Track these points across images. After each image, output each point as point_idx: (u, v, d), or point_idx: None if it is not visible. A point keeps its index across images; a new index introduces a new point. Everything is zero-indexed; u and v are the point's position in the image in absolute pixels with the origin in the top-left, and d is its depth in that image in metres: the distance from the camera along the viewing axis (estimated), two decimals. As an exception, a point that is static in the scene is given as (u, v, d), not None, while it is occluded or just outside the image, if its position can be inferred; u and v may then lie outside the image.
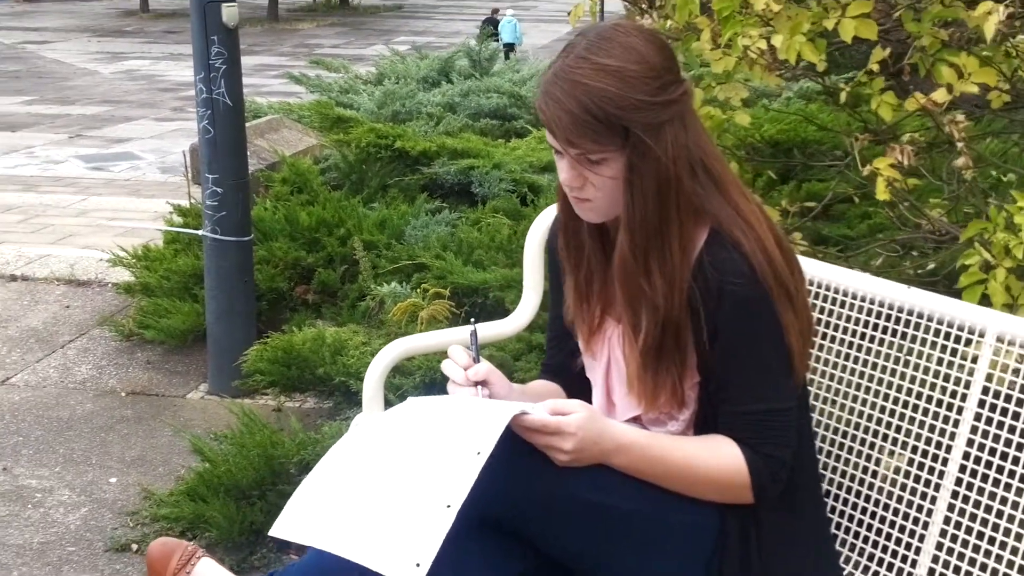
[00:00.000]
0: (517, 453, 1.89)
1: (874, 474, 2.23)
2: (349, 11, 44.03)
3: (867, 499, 2.23)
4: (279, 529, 1.84)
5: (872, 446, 2.24)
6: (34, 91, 23.95)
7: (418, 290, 3.74)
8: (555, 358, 2.31)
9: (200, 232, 4.21)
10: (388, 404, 2.66)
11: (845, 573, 2.20)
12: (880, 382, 2.24)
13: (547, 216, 2.84)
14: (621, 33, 1.93)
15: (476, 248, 4.04)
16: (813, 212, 3.33)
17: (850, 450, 2.27)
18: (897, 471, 2.20)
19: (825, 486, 2.29)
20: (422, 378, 3.20)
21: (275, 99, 8.44)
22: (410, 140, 5.06)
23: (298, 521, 1.84)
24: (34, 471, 3.68)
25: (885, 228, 4.00)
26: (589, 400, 2.13)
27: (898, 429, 2.20)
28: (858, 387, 2.28)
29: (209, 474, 3.20)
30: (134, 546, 3.23)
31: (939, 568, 2.10)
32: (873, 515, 2.22)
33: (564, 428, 1.89)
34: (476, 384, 2.06)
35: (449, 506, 1.74)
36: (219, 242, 4.12)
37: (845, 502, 2.27)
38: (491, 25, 25.18)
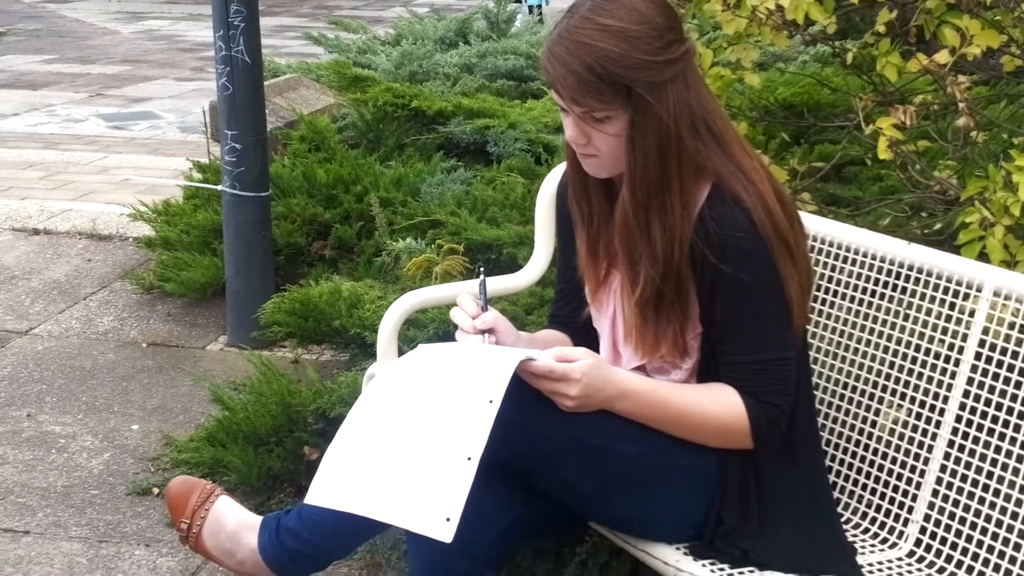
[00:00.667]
0: (523, 398, 1.96)
1: (874, 424, 2.30)
2: (369, -28, 43.92)
3: (866, 448, 2.31)
4: (314, 497, 1.91)
5: (872, 397, 2.31)
6: (54, 50, 23.96)
7: (433, 246, 3.80)
8: (563, 309, 2.38)
9: (219, 187, 4.28)
10: (401, 355, 2.74)
11: (843, 519, 2.27)
12: (880, 335, 2.31)
13: (557, 174, 2.89)
14: None
15: (490, 205, 4.10)
16: (821, 172, 3.38)
17: (851, 401, 2.35)
18: (896, 422, 2.27)
19: (827, 436, 2.36)
20: (435, 330, 3.27)
21: (294, 60, 8.48)
22: (426, 100, 5.11)
23: (331, 488, 1.91)
24: (58, 418, 3.78)
25: (895, 190, 4.04)
26: (596, 350, 2.20)
27: (897, 381, 2.27)
28: (859, 340, 2.35)
29: (228, 421, 3.28)
30: (155, 490, 3.32)
31: (934, 514, 2.18)
32: (872, 463, 2.29)
33: (569, 374, 1.97)
34: (483, 332, 2.13)
35: (470, 458, 1.83)
36: (238, 197, 4.19)
37: (845, 451, 2.34)
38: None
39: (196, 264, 4.48)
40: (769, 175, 2.06)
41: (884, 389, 2.29)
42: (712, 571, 2.05)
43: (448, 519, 1.79)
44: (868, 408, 2.31)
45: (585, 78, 1.93)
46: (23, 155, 10.56)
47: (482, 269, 2.30)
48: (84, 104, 18.02)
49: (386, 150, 5.00)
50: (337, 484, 1.91)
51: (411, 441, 1.89)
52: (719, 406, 2.02)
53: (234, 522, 2.23)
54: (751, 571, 2.06)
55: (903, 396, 2.25)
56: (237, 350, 4.27)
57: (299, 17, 26.51)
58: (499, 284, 2.99)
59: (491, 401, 1.86)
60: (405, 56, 6.21)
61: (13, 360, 4.21)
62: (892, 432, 2.26)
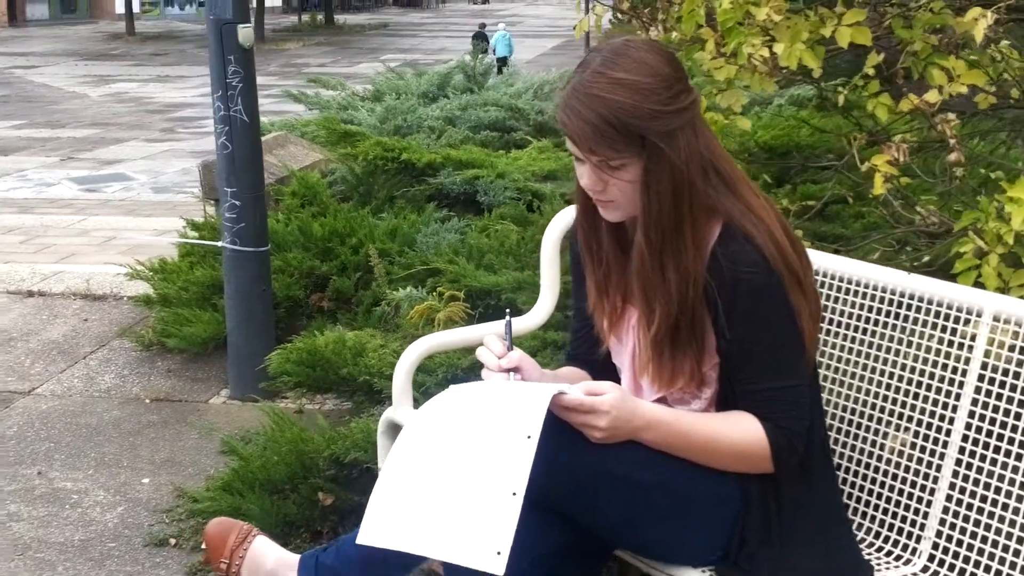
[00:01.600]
0: (554, 431, 2.04)
1: (883, 447, 2.40)
2: (334, 30, 44.29)
3: (877, 470, 2.40)
4: (365, 537, 1.98)
5: (880, 421, 2.41)
6: (23, 115, 24.08)
7: (433, 293, 3.89)
8: (580, 348, 2.47)
9: (220, 244, 4.37)
10: (415, 400, 2.81)
11: (858, 539, 2.36)
12: (885, 362, 2.42)
13: (562, 218, 3.00)
14: (633, 48, 2.11)
15: (486, 253, 4.20)
16: (813, 210, 3.50)
17: (860, 426, 2.44)
18: (904, 444, 2.37)
19: (838, 460, 2.45)
20: (444, 374, 3.35)
21: (266, 118, 8.61)
22: (415, 152, 5.22)
23: (381, 527, 1.98)
24: (68, 474, 3.83)
25: (878, 227, 4.17)
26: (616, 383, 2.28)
27: (904, 405, 2.37)
28: (864, 368, 2.45)
29: (244, 470, 3.34)
30: (172, 540, 3.38)
31: (945, 531, 2.27)
32: (883, 484, 2.38)
33: (598, 407, 2.06)
34: (509, 371, 2.21)
35: (515, 493, 1.91)
36: (238, 253, 4.28)
37: (856, 474, 2.43)
38: (481, 40, 25.42)
39: (197, 320, 4.55)
40: (777, 213, 2.17)
41: (892, 413, 2.39)
42: (738, 592, 2.13)
43: (499, 552, 1.87)
44: (877, 432, 2.41)
45: (601, 129, 2.03)
46: (1, 220, 10.61)
47: (508, 311, 2.39)
48: (56, 168, 18.11)
49: (377, 203, 5.10)
50: (386, 523, 1.97)
51: (455, 478, 1.96)
52: (740, 433, 2.11)
53: (272, 560, 2.29)
54: (775, 591, 2.14)
55: (911, 419, 2.35)
56: (240, 403, 4.33)
57: (268, 75, 26.74)
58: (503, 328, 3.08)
59: (529, 436, 1.95)
60: (389, 111, 6.34)
61: (19, 420, 4.26)
62: (901, 454, 2.36)
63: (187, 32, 43.43)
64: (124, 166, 18.28)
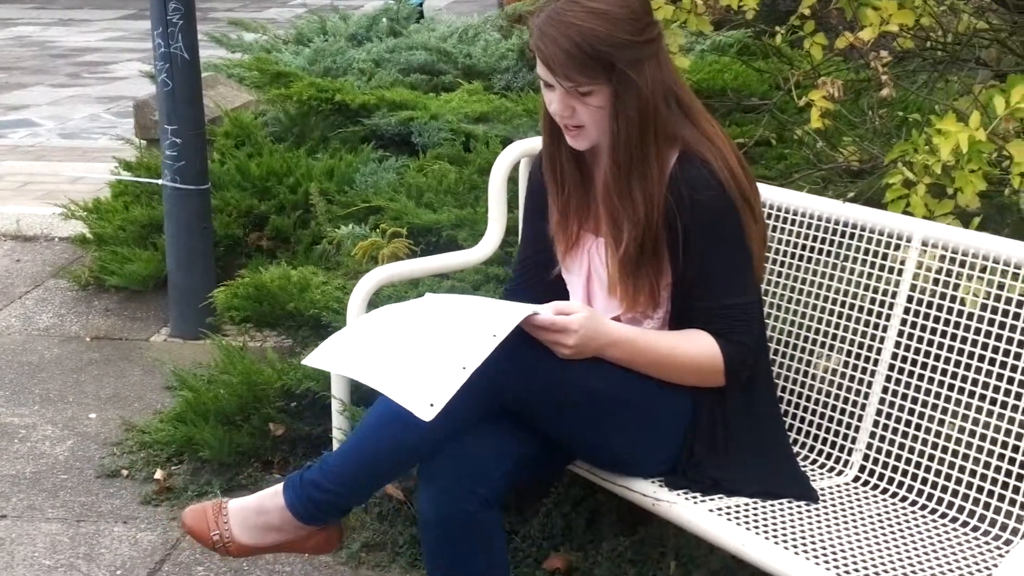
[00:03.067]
0: (526, 348, 2.19)
1: (816, 368, 2.56)
2: (241, -25, 43.56)
3: (812, 388, 2.57)
4: (315, 359, 2.15)
5: (816, 343, 2.57)
6: (-79, 59, 23.47)
7: (376, 231, 3.98)
8: (525, 275, 2.57)
9: (160, 181, 4.40)
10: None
11: (795, 452, 2.52)
12: (820, 287, 2.58)
13: (507, 155, 3.11)
14: None
15: (425, 192, 4.28)
16: (744, 148, 3.64)
17: (797, 348, 2.60)
18: (828, 370, 2.54)
19: (778, 381, 2.61)
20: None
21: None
22: (349, 93, 5.26)
23: (331, 355, 2.15)
24: (14, 410, 3.86)
25: (800, 168, 4.34)
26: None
27: (838, 327, 2.54)
28: (801, 292, 2.61)
29: (195, 401, 3.42)
30: (124, 471, 3.45)
31: (875, 443, 2.44)
32: (818, 402, 2.56)
33: (568, 326, 2.19)
34: None
35: (464, 368, 2.06)
36: (179, 190, 4.31)
37: (793, 392, 2.60)
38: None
39: (136, 258, 4.58)
40: (730, 141, 2.31)
41: (827, 335, 2.55)
42: (686, 499, 2.29)
43: (432, 404, 2.03)
44: (812, 353, 2.58)
45: (574, 55, 2.15)
46: (-91, 164, 10.37)
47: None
48: (-42, 113, 17.70)
49: (312, 143, 5.14)
50: (338, 353, 2.14)
51: (415, 343, 2.13)
52: (697, 348, 2.26)
53: (254, 504, 2.35)
54: (720, 497, 2.30)
55: (844, 340, 2.52)
56: (181, 340, 4.39)
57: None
58: (453, 260, 3.20)
59: (495, 335, 2.08)
60: (318, 53, 6.35)
61: (-42, 358, 4.28)
62: (835, 372, 2.53)
63: (89, -25, 42.38)
64: (29, 112, 17.82)
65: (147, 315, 4.64)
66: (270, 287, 3.75)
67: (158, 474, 3.39)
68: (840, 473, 2.48)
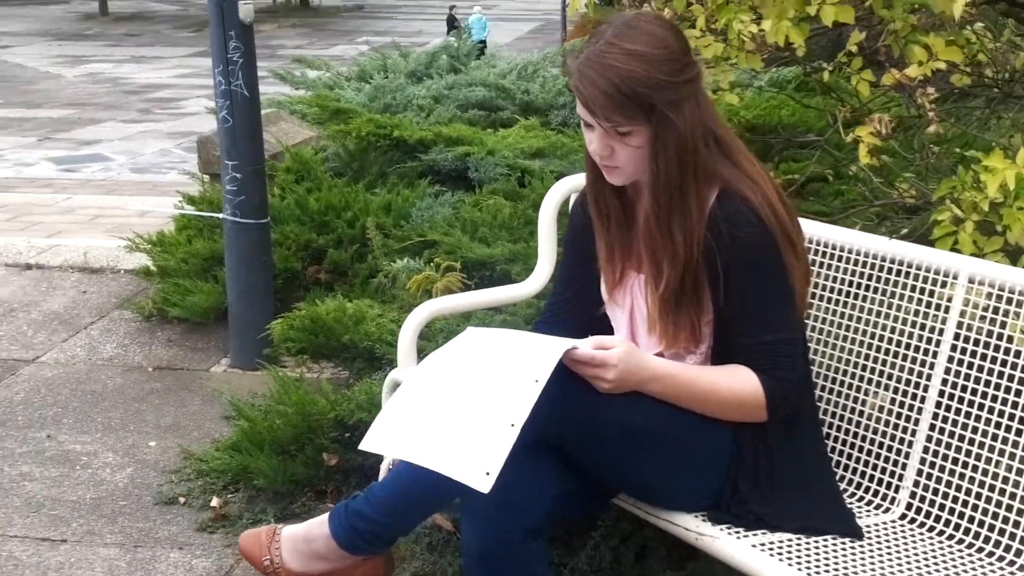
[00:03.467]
0: (566, 382, 2.22)
1: (864, 404, 2.56)
2: (310, 12, 44.19)
3: (859, 424, 2.56)
4: (368, 444, 2.15)
5: (863, 379, 2.57)
6: (-1, 95, 24.06)
7: (430, 264, 4.03)
8: (556, 312, 2.60)
9: (221, 215, 4.49)
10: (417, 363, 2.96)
11: (841, 489, 2.52)
12: (867, 323, 2.58)
13: (558, 190, 3.14)
14: (644, 21, 2.26)
15: (480, 226, 4.34)
16: (796, 183, 3.66)
17: (843, 384, 2.60)
18: (885, 401, 2.53)
19: (823, 417, 2.61)
20: (443, 340, 3.49)
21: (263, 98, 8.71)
22: (407, 129, 5.35)
23: (384, 437, 2.15)
24: (76, 437, 3.95)
25: (857, 204, 4.34)
26: None
27: (884, 363, 2.53)
28: (848, 329, 2.61)
29: (251, 431, 3.48)
30: (181, 499, 3.51)
31: (923, 480, 2.43)
32: (865, 439, 2.55)
33: (607, 360, 2.22)
34: None
35: (513, 425, 2.07)
36: (239, 224, 4.40)
37: (839, 428, 2.59)
38: (452, 24, 25.54)
39: (198, 290, 4.68)
40: (771, 179, 2.33)
41: (874, 371, 2.55)
42: (729, 534, 2.29)
43: (488, 473, 2.04)
44: (860, 389, 2.57)
45: (613, 96, 2.18)
46: (-17, 198, 10.65)
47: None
48: (33, 148, 18.15)
49: (370, 178, 5.23)
50: (389, 434, 2.16)
51: (461, 405, 2.14)
52: (738, 383, 2.27)
53: (303, 531, 2.40)
54: (763, 533, 2.30)
55: (891, 377, 2.51)
56: (240, 371, 4.47)
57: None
58: (503, 294, 3.23)
59: (537, 380, 2.11)
60: (378, 89, 6.46)
61: (25, 386, 4.38)
62: (882, 409, 2.52)
63: (160, 13, 43.26)
64: (102, 147, 18.33)
65: (208, 346, 4.73)
66: (325, 319, 3.82)
67: (214, 502, 3.45)
68: (887, 511, 2.47)
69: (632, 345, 2.27)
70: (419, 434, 2.13)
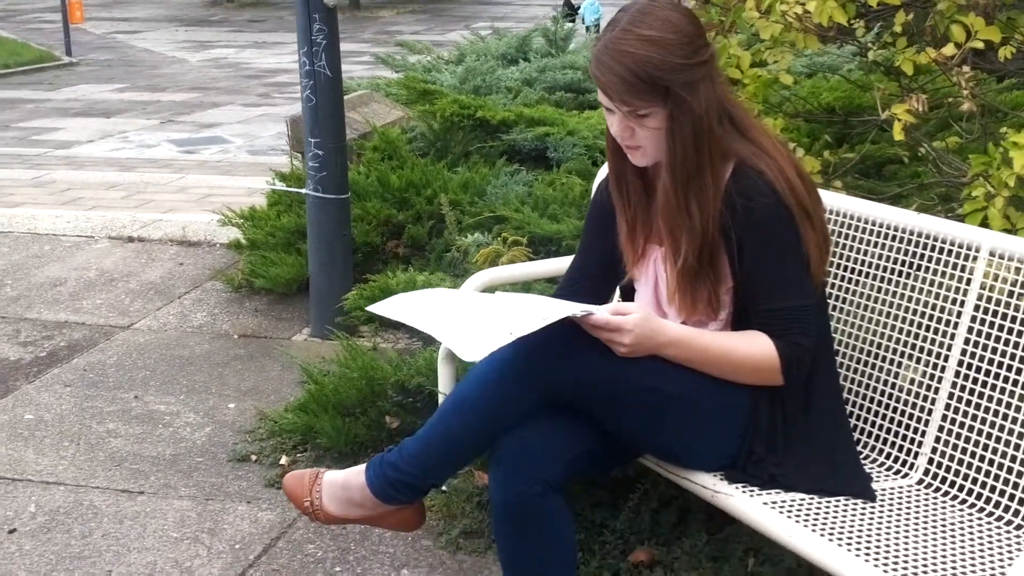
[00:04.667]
0: (584, 346, 2.33)
1: (887, 372, 2.63)
2: (428, -2, 44.56)
3: (881, 392, 2.63)
4: (379, 308, 2.44)
5: (886, 348, 2.63)
6: (125, 79, 24.78)
7: (499, 239, 4.17)
8: (571, 285, 2.72)
9: (304, 191, 4.69)
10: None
11: (860, 454, 2.59)
12: (892, 294, 2.64)
13: (605, 170, 3.25)
14: (658, 7, 2.36)
15: (551, 203, 4.46)
16: (852, 162, 3.70)
17: (866, 352, 2.67)
18: (913, 382, 2.59)
19: (846, 384, 2.69)
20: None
21: (356, 82, 8.94)
22: (490, 110, 5.49)
23: (392, 307, 2.45)
24: (162, 398, 4.18)
25: (933, 187, 4.36)
26: None
27: (907, 333, 2.59)
28: (873, 299, 2.69)
29: (318, 393, 3.66)
30: (253, 456, 3.71)
31: (940, 446, 2.50)
32: (886, 405, 2.62)
33: (623, 325, 2.32)
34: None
35: (511, 333, 2.24)
36: (320, 199, 4.59)
37: (861, 395, 2.66)
38: (568, 7, 25.61)
39: (282, 262, 4.88)
40: (788, 152, 2.41)
41: (897, 341, 2.61)
42: (744, 492, 2.39)
43: (477, 351, 2.22)
44: (882, 358, 2.64)
45: (631, 81, 2.29)
46: (105, 177, 11.11)
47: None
48: (156, 130, 18.72)
49: (453, 157, 5.38)
50: (398, 306, 2.42)
51: (473, 310, 2.37)
52: (754, 348, 2.36)
53: (342, 478, 2.56)
54: (777, 492, 2.39)
55: (914, 347, 2.58)
56: (320, 340, 4.66)
57: (361, 43, 27.21)
58: (553, 265, 3.34)
59: (545, 318, 2.24)
60: (469, 72, 6.60)
61: (118, 351, 4.63)
62: (914, 383, 2.58)
63: (284, -1, 44.08)
64: (221, 129, 18.83)
65: (292, 316, 4.94)
66: (395, 290, 3.97)
67: (283, 460, 3.64)
68: (905, 476, 2.54)
69: (648, 311, 2.37)
70: (429, 313, 2.38)
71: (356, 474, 2.52)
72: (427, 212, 4.88)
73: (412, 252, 4.86)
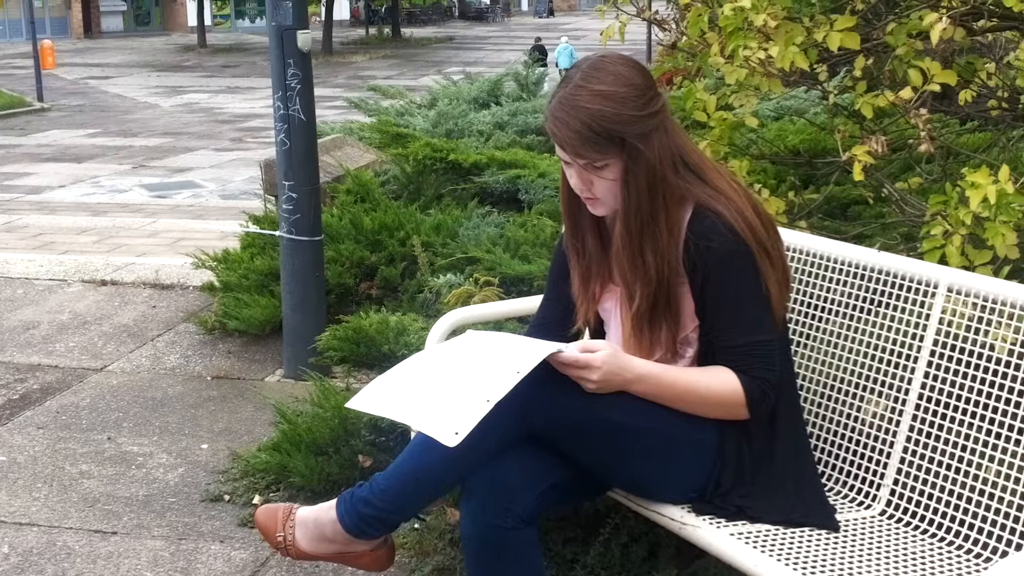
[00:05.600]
0: (555, 381, 2.38)
1: (850, 405, 2.69)
2: (401, 43, 44.90)
3: (844, 426, 2.69)
4: (355, 403, 2.39)
5: (848, 383, 2.70)
6: (97, 124, 24.85)
7: (470, 280, 4.22)
8: (540, 332, 2.74)
9: (278, 233, 4.73)
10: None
11: (825, 486, 2.65)
12: (854, 330, 2.71)
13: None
14: (608, 63, 2.43)
15: (522, 244, 4.53)
16: (815, 203, 3.78)
17: (829, 387, 2.74)
18: (875, 415, 2.66)
19: (810, 417, 2.75)
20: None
21: (329, 126, 9.00)
22: (462, 153, 5.57)
23: (369, 400, 2.39)
24: (135, 440, 4.20)
25: (896, 226, 4.45)
26: None
27: (869, 368, 2.66)
28: (835, 335, 2.75)
29: (291, 432, 3.69)
30: (226, 496, 3.73)
31: (901, 478, 2.55)
32: (848, 439, 2.67)
33: (591, 362, 2.38)
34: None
35: (488, 400, 2.25)
36: (294, 241, 4.64)
37: (823, 428, 2.72)
38: (538, 52, 25.86)
39: (255, 304, 4.92)
40: (746, 193, 2.48)
41: (859, 376, 2.68)
42: (712, 524, 2.43)
43: (457, 433, 2.22)
44: (845, 392, 2.70)
45: (586, 135, 2.36)
46: (76, 222, 11.13)
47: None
48: (128, 175, 18.76)
49: (426, 200, 5.45)
50: (374, 398, 2.37)
51: (445, 382, 2.34)
52: (719, 383, 2.42)
53: (314, 514, 2.59)
54: (744, 524, 2.44)
55: (875, 381, 2.64)
56: (294, 381, 4.69)
57: (334, 87, 27.36)
58: (523, 305, 3.39)
59: (519, 372, 2.28)
60: (441, 116, 6.69)
61: (91, 393, 4.65)
62: (878, 416, 2.64)
63: (257, 44, 44.29)
64: (194, 174, 18.91)
65: (265, 357, 4.97)
66: (368, 331, 4.03)
67: (256, 499, 3.67)
68: (868, 507, 2.59)
69: (616, 347, 2.43)
70: (403, 397, 2.34)
71: (327, 509, 2.55)
72: (400, 254, 4.94)
73: (385, 293, 4.91)
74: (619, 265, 2.49)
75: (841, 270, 2.76)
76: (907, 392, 2.58)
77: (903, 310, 2.62)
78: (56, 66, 32.55)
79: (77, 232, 10.12)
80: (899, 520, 2.53)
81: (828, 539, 2.43)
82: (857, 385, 2.68)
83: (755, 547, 2.34)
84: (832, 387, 2.73)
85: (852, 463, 2.66)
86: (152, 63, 38.25)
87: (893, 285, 2.65)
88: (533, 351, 2.36)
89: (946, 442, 2.50)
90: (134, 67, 36.94)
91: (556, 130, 2.39)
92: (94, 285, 6.00)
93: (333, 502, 2.55)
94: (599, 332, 2.70)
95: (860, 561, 2.35)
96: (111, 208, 14.37)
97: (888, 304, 2.65)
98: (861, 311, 2.70)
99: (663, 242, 2.41)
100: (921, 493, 2.52)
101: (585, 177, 2.43)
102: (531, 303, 3.40)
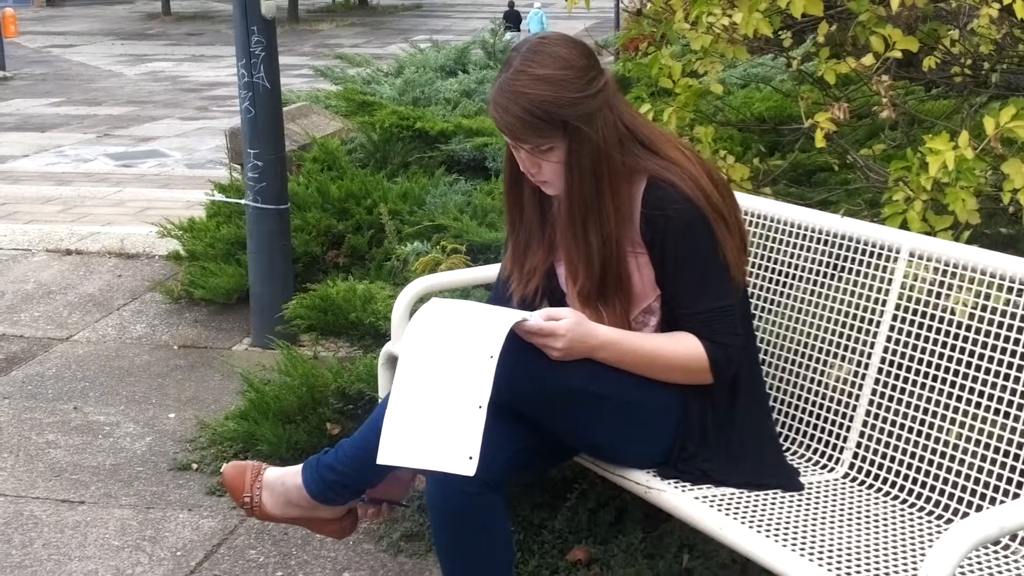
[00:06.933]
0: (519, 351, 2.39)
1: (814, 370, 2.72)
2: (368, 11, 44.59)
3: (807, 389, 2.72)
4: (384, 458, 2.32)
5: (811, 347, 2.72)
6: (61, 93, 24.55)
7: (438, 248, 4.22)
8: (502, 295, 2.76)
9: (243, 201, 4.72)
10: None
11: (788, 449, 2.68)
12: (817, 295, 2.73)
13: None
14: (548, 44, 2.42)
15: (489, 212, 4.53)
16: (781, 169, 3.80)
17: (792, 351, 2.76)
18: (837, 379, 2.68)
19: (775, 382, 2.77)
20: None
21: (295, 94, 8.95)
22: (429, 121, 5.55)
23: (393, 449, 2.32)
24: (101, 409, 4.19)
25: (861, 193, 4.47)
26: None
27: (831, 332, 2.68)
28: (798, 300, 2.77)
29: (259, 400, 3.69)
30: (194, 465, 3.73)
31: (864, 441, 2.59)
32: (812, 403, 2.70)
33: (556, 330, 2.39)
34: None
35: (481, 407, 2.26)
36: (260, 210, 4.62)
37: (788, 392, 2.75)
38: (512, 19, 25.71)
39: (222, 273, 4.91)
40: (701, 161, 2.50)
41: (822, 340, 2.70)
42: (677, 487, 2.46)
43: (471, 457, 2.24)
44: (808, 356, 2.73)
45: (528, 120, 2.35)
46: (40, 191, 11.02)
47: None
48: (93, 144, 18.57)
49: (392, 168, 5.43)
50: (395, 445, 2.32)
51: (435, 397, 2.32)
52: (683, 349, 2.44)
53: (280, 477, 2.60)
54: (709, 487, 2.47)
55: (837, 345, 2.67)
56: (261, 349, 4.69)
57: (301, 56, 27.16)
58: (486, 272, 3.39)
59: (491, 356, 2.29)
60: (408, 84, 6.66)
61: (57, 363, 4.63)
62: (842, 380, 2.67)
63: (221, 12, 43.85)
64: (159, 143, 18.73)
65: (232, 326, 4.96)
66: (335, 299, 4.02)
67: (224, 467, 3.66)
68: (832, 470, 2.63)
69: (580, 315, 2.44)
70: (412, 438, 2.31)
71: (294, 474, 2.56)
72: (367, 222, 4.93)
73: (352, 261, 4.90)
74: (562, 244, 2.50)
75: (805, 235, 2.78)
76: (870, 356, 2.61)
77: (866, 275, 2.64)
78: (18, 34, 32.15)
79: (42, 202, 10.02)
80: (862, 483, 2.57)
81: (792, 501, 2.46)
82: (821, 349, 2.71)
83: (720, 510, 2.37)
84: (796, 351, 2.75)
85: (816, 427, 2.69)
86: (116, 31, 37.80)
87: (856, 250, 2.67)
88: (499, 323, 2.36)
89: (908, 405, 2.53)
90: (98, 35, 36.51)
91: (498, 116, 2.39)
92: (59, 254, 5.96)
93: (299, 467, 2.56)
94: (561, 300, 2.70)
95: (823, 522, 2.38)
96: (76, 177, 14.23)
97: (851, 269, 2.67)
98: (824, 276, 2.73)
99: (610, 225, 2.41)
100: (883, 456, 2.55)
101: (533, 160, 2.43)
102: (492, 271, 3.41)
